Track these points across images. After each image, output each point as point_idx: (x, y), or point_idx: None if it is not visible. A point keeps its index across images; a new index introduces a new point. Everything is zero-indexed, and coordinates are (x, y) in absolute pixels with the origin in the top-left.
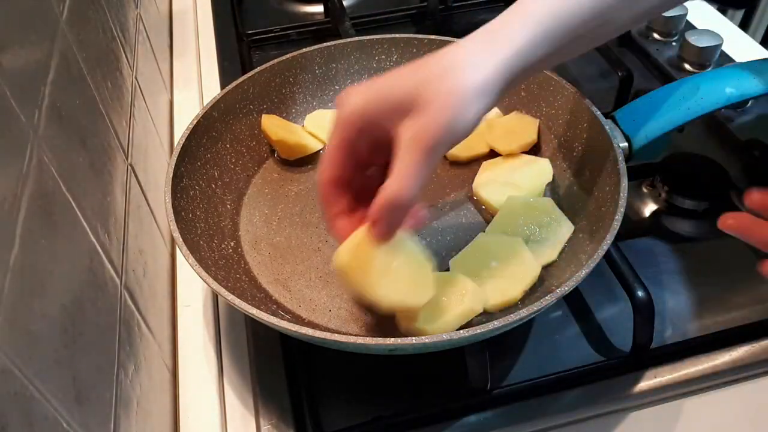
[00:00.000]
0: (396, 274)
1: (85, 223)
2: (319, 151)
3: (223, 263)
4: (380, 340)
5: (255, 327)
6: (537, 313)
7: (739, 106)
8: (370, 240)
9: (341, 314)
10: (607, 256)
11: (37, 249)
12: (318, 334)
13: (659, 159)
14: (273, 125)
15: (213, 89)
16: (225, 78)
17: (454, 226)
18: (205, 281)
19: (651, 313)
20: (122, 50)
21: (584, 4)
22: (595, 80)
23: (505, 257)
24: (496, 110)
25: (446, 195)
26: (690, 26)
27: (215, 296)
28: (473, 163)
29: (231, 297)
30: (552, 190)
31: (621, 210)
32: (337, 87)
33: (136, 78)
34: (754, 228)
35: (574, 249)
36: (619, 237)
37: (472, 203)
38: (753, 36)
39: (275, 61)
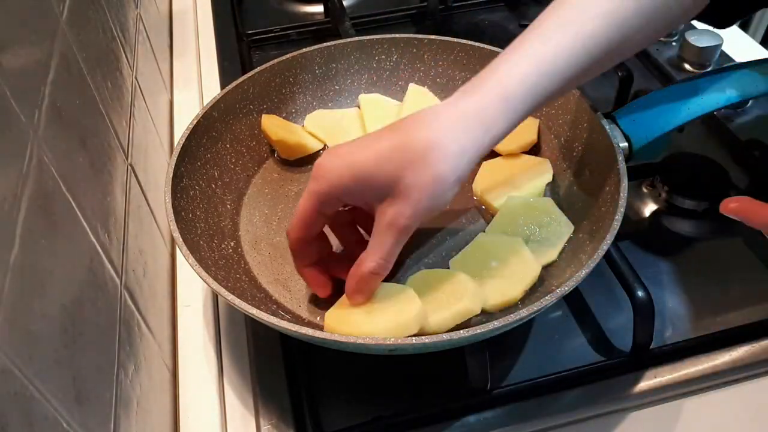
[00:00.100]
0: (378, 312)
1: (85, 223)
2: (319, 151)
3: (223, 263)
4: (380, 340)
5: (255, 327)
6: (537, 313)
7: (739, 106)
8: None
9: None
10: (607, 256)
11: (37, 249)
12: (318, 334)
13: (659, 159)
14: (273, 125)
15: (213, 89)
16: (225, 78)
17: (454, 226)
18: (205, 281)
19: (651, 313)
20: (122, 50)
21: (562, 69)
22: (595, 80)
23: (505, 257)
24: None
25: None
26: (690, 26)
27: (215, 296)
28: None
29: (231, 297)
30: (552, 190)
31: (621, 210)
32: (337, 87)
33: (136, 78)
34: (754, 210)
35: (574, 249)
36: (619, 237)
37: (471, 203)
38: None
39: (275, 61)
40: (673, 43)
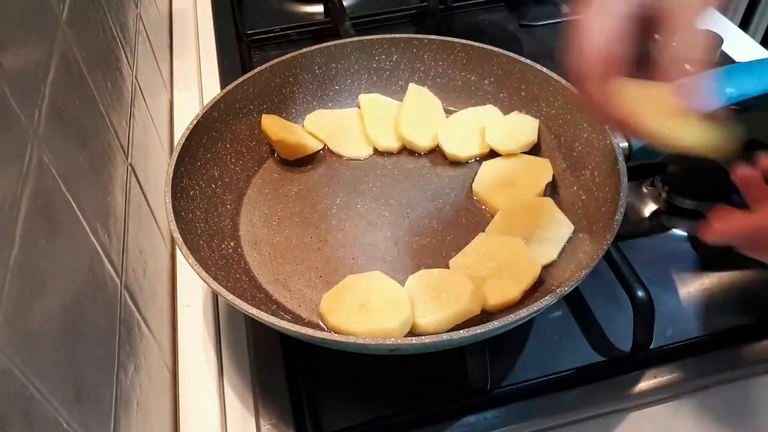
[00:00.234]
0: (367, 310)
1: (85, 223)
2: (319, 151)
3: (223, 263)
4: (380, 340)
5: (255, 327)
6: (537, 313)
7: (738, 106)
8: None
9: None
10: (607, 256)
11: (37, 249)
12: (318, 334)
13: (659, 159)
14: (273, 125)
15: (213, 89)
16: (225, 78)
17: (454, 226)
18: (205, 281)
19: (651, 313)
20: (122, 50)
21: None
22: None
23: (505, 257)
24: (496, 110)
25: (446, 195)
26: None
27: (215, 296)
28: (473, 163)
29: (231, 297)
30: (552, 190)
31: (621, 210)
32: (337, 87)
33: (136, 78)
34: (755, 185)
35: (574, 249)
36: (619, 237)
37: (472, 203)
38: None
39: (275, 61)
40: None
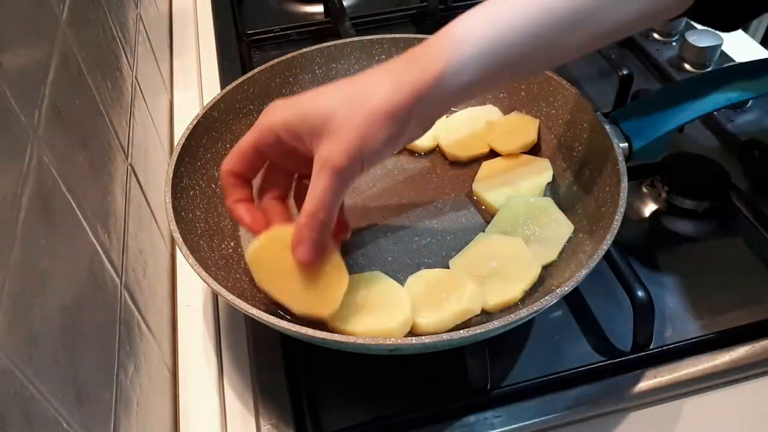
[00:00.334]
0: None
1: (85, 223)
2: None
3: (223, 263)
4: (380, 340)
5: (255, 327)
6: (537, 313)
7: (739, 106)
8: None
9: None
10: (607, 256)
11: (37, 249)
12: (318, 334)
13: (659, 159)
14: None
15: (213, 89)
16: (225, 78)
17: (454, 226)
18: (205, 281)
19: (651, 313)
20: (122, 50)
21: (518, 29)
22: (595, 80)
23: (505, 257)
24: (496, 110)
25: (446, 195)
26: (690, 26)
27: (215, 296)
28: (473, 163)
29: (231, 297)
30: (552, 190)
31: (621, 210)
32: None
33: (136, 78)
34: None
35: (574, 249)
36: (619, 237)
37: (472, 203)
38: (753, 36)
39: (275, 61)
40: (673, 43)
